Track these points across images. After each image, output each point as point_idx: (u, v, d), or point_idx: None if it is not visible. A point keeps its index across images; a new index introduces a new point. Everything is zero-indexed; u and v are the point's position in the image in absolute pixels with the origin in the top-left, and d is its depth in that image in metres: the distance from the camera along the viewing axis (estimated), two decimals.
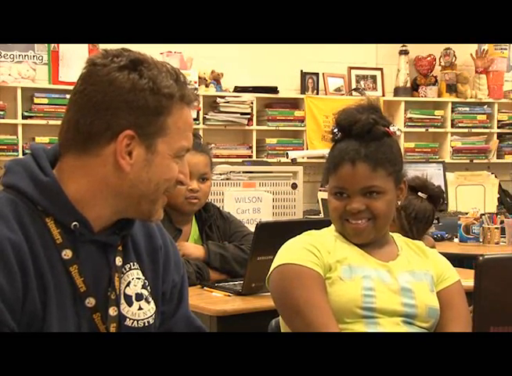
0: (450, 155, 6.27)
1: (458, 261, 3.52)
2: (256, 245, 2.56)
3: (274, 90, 5.78)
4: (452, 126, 6.32)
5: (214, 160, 3.07)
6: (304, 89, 5.97)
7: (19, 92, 5.08)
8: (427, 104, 6.36)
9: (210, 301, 2.51)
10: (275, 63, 5.86)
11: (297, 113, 5.86)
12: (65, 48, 5.28)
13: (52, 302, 1.31)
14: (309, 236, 1.89)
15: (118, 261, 1.41)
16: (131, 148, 1.34)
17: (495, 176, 5.89)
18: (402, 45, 6.23)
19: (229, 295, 2.60)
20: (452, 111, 6.31)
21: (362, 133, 1.85)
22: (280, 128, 5.80)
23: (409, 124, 6.17)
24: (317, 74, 6.03)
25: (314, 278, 1.80)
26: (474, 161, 6.34)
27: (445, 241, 4.43)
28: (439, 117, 6.30)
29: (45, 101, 5.15)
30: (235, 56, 5.72)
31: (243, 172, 4.22)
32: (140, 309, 1.43)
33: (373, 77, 6.28)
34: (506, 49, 6.51)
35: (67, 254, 1.34)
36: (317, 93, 6.01)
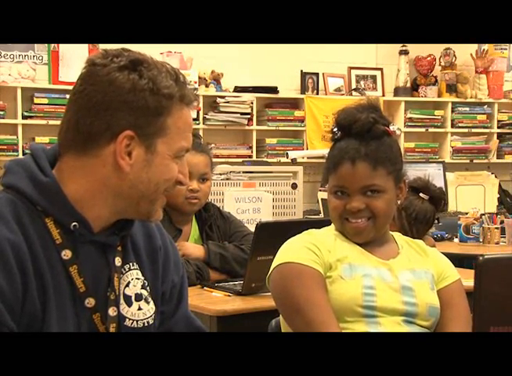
0: (450, 155, 6.27)
1: (458, 261, 3.52)
2: (256, 245, 2.56)
3: (274, 90, 5.78)
4: (452, 126, 6.32)
5: (214, 160, 3.07)
6: (304, 89, 5.97)
7: (19, 92, 5.08)
8: (427, 104, 6.36)
9: (210, 301, 2.51)
10: (275, 63, 5.86)
11: (297, 113, 5.86)
12: (65, 48, 5.28)
13: (51, 303, 1.31)
14: (309, 235, 1.89)
15: (118, 261, 1.41)
16: (130, 148, 1.34)
17: (495, 176, 5.89)
18: (402, 45, 6.23)
19: (229, 295, 2.60)
20: (452, 111, 6.31)
21: (361, 132, 1.85)
22: (280, 128, 5.80)
23: (409, 124, 6.17)
24: (317, 74, 6.03)
25: (314, 277, 1.80)
26: (474, 161, 6.34)
27: (445, 241, 4.43)
28: (439, 117, 6.30)
29: (45, 101, 5.15)
30: (235, 56, 5.72)
31: (243, 172, 4.22)
32: (140, 309, 1.43)
33: (373, 77, 6.28)
34: (506, 49, 6.51)
35: (67, 254, 1.34)
36: (317, 93, 6.01)
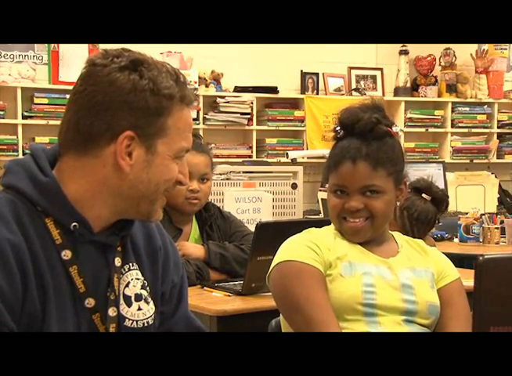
0: (450, 155, 6.27)
1: (458, 261, 3.52)
2: (256, 245, 2.56)
3: (274, 90, 5.78)
4: (452, 126, 6.32)
5: (214, 160, 3.07)
6: (304, 89, 5.97)
7: (19, 92, 5.08)
8: (427, 104, 6.36)
9: (210, 301, 2.51)
10: (275, 63, 5.86)
11: (297, 113, 5.86)
12: (65, 48, 5.28)
13: (51, 303, 1.31)
14: (309, 233, 1.90)
15: (117, 261, 1.41)
16: (131, 149, 1.34)
17: (495, 176, 5.89)
18: (402, 45, 6.23)
19: (229, 295, 2.60)
20: (452, 111, 6.31)
21: (364, 132, 1.85)
22: (280, 128, 5.80)
23: (409, 124, 6.17)
24: (317, 74, 6.03)
25: (314, 275, 1.81)
26: (474, 161, 6.34)
27: (445, 241, 4.43)
28: (439, 117, 6.30)
29: (45, 101, 5.15)
30: (235, 56, 5.72)
31: (243, 172, 4.22)
32: (139, 309, 1.43)
33: (373, 77, 6.28)
34: (506, 49, 6.51)
35: (67, 254, 1.34)
36: (317, 93, 6.01)
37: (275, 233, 2.39)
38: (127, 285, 1.43)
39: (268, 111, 5.77)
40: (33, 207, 1.33)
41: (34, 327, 1.29)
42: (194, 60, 5.56)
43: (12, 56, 5.21)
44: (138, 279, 1.45)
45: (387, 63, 6.30)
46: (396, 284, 1.84)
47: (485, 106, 6.40)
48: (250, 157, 5.67)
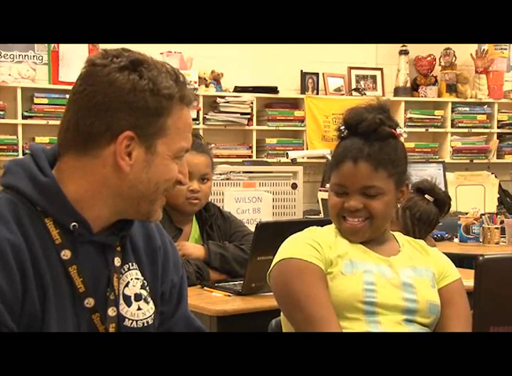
0: (450, 155, 6.27)
1: (458, 261, 3.52)
2: (256, 245, 2.56)
3: (274, 90, 5.78)
4: (452, 126, 6.32)
5: (214, 160, 3.07)
6: (304, 89, 5.97)
7: (19, 92, 5.08)
8: (427, 104, 6.36)
9: (210, 301, 2.51)
10: (275, 63, 5.86)
11: (297, 113, 5.86)
12: (65, 48, 5.28)
13: (51, 303, 1.31)
14: (310, 231, 1.90)
15: (117, 261, 1.41)
16: (130, 149, 1.34)
17: (495, 176, 5.89)
18: (402, 45, 6.24)
19: (229, 295, 2.60)
20: (452, 111, 6.31)
21: (367, 132, 1.86)
22: (280, 128, 5.80)
23: (409, 124, 6.17)
24: (317, 74, 6.03)
25: (315, 273, 1.81)
26: (474, 161, 6.34)
27: (445, 241, 4.43)
28: (439, 117, 6.30)
29: (45, 101, 5.15)
30: (235, 56, 5.72)
31: (243, 172, 4.22)
32: (139, 309, 1.43)
33: (373, 77, 6.29)
34: (506, 49, 6.51)
35: (66, 254, 1.34)
36: (317, 93, 6.01)
37: (275, 233, 2.38)
38: (126, 285, 1.43)
39: (268, 111, 5.77)
40: (32, 207, 1.33)
41: (34, 326, 1.29)
42: (194, 60, 5.56)
43: (12, 56, 5.21)
44: (137, 279, 1.45)
45: (387, 63, 6.30)
46: (397, 283, 1.84)
47: (485, 106, 6.40)
48: (250, 157, 5.67)
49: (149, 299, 1.45)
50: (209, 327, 2.38)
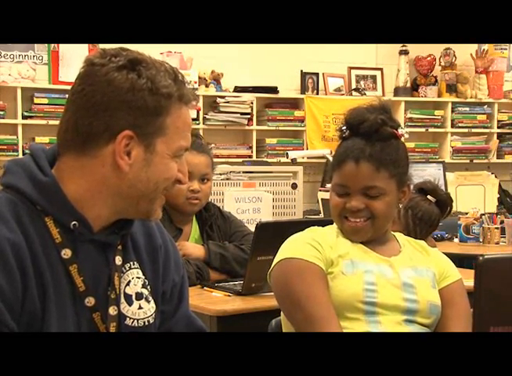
0: (450, 155, 6.28)
1: (458, 261, 3.52)
2: (256, 245, 2.56)
3: (274, 90, 5.78)
4: (452, 126, 6.32)
5: (214, 160, 3.07)
6: (304, 89, 5.97)
7: (19, 92, 5.08)
8: (427, 104, 6.36)
9: (210, 301, 2.51)
10: (275, 63, 5.86)
11: (297, 113, 5.86)
12: (65, 48, 5.28)
13: (51, 302, 1.31)
14: (312, 231, 1.90)
15: (118, 260, 1.41)
16: (129, 148, 1.34)
17: (495, 176, 5.89)
18: (402, 45, 6.24)
19: (229, 295, 2.60)
20: (452, 111, 6.31)
21: (369, 132, 1.86)
22: (280, 128, 5.80)
23: (409, 124, 6.17)
24: (317, 74, 6.03)
25: (315, 272, 1.81)
26: (474, 161, 6.34)
27: (445, 241, 4.43)
28: (439, 117, 6.30)
29: (45, 101, 5.15)
30: (235, 56, 5.72)
31: (243, 172, 4.22)
32: (140, 308, 1.43)
33: (373, 77, 6.29)
34: (506, 49, 6.51)
35: (67, 253, 1.34)
36: (317, 93, 6.01)
37: (275, 233, 2.38)
38: (128, 284, 1.43)
39: (268, 111, 5.77)
40: (32, 206, 1.33)
41: (34, 325, 1.29)
42: (194, 60, 5.56)
43: (12, 56, 5.21)
44: (138, 278, 1.45)
45: (387, 63, 6.30)
46: (397, 283, 1.84)
47: (485, 106, 6.40)
48: (250, 157, 5.67)
49: (150, 298, 1.45)
50: (209, 327, 2.38)
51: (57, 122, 1.40)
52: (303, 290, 1.80)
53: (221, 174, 4.01)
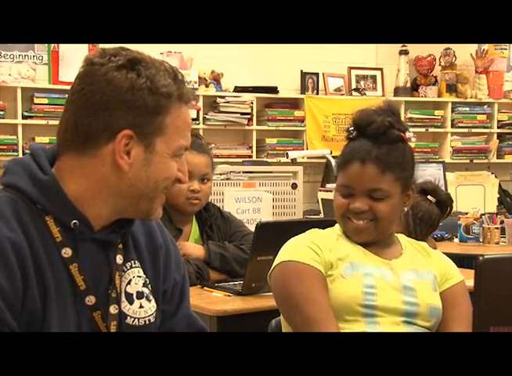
0: (450, 155, 6.28)
1: (458, 261, 3.52)
2: (256, 245, 2.56)
3: (274, 90, 5.79)
4: (452, 126, 6.32)
5: (214, 160, 3.07)
6: (304, 89, 5.97)
7: (19, 92, 5.09)
8: (427, 104, 6.36)
9: (210, 301, 2.51)
10: (275, 63, 5.86)
11: (297, 113, 5.86)
12: (65, 48, 5.28)
13: (52, 301, 1.31)
14: (312, 234, 1.90)
15: (119, 259, 1.41)
16: (129, 148, 1.34)
17: (495, 176, 5.89)
18: (402, 45, 6.24)
19: (229, 295, 2.60)
20: (452, 111, 6.31)
21: (376, 134, 1.86)
22: (280, 128, 5.80)
23: (409, 124, 6.16)
24: (317, 74, 6.03)
25: (314, 276, 1.81)
26: (474, 161, 6.34)
27: (445, 241, 4.42)
28: (439, 117, 6.30)
29: (45, 101, 5.15)
30: (235, 56, 5.72)
31: (243, 172, 4.22)
32: (141, 307, 1.43)
33: (373, 77, 6.29)
34: (506, 49, 6.51)
35: (67, 252, 1.34)
36: (317, 93, 6.01)
37: (275, 233, 2.39)
38: (129, 283, 1.43)
39: (268, 111, 5.77)
40: (33, 205, 1.33)
41: (35, 324, 1.29)
42: (194, 60, 5.56)
43: (12, 56, 5.21)
44: (139, 276, 1.45)
45: (387, 63, 6.30)
46: (397, 286, 1.84)
47: (485, 106, 6.40)
48: (250, 157, 5.67)
49: (151, 297, 1.45)
50: (209, 327, 2.37)
51: (57, 122, 1.40)
52: (301, 292, 1.80)
53: (221, 174, 4.01)
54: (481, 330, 1.59)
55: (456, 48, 6.30)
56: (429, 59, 6.35)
